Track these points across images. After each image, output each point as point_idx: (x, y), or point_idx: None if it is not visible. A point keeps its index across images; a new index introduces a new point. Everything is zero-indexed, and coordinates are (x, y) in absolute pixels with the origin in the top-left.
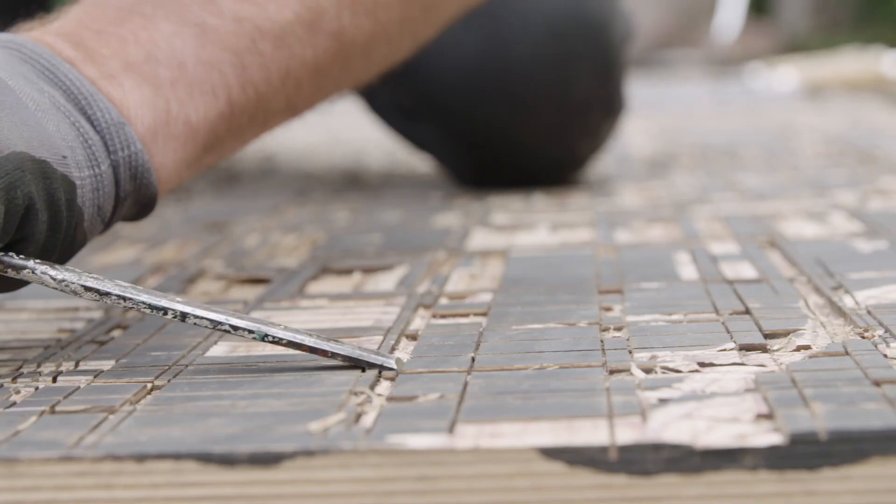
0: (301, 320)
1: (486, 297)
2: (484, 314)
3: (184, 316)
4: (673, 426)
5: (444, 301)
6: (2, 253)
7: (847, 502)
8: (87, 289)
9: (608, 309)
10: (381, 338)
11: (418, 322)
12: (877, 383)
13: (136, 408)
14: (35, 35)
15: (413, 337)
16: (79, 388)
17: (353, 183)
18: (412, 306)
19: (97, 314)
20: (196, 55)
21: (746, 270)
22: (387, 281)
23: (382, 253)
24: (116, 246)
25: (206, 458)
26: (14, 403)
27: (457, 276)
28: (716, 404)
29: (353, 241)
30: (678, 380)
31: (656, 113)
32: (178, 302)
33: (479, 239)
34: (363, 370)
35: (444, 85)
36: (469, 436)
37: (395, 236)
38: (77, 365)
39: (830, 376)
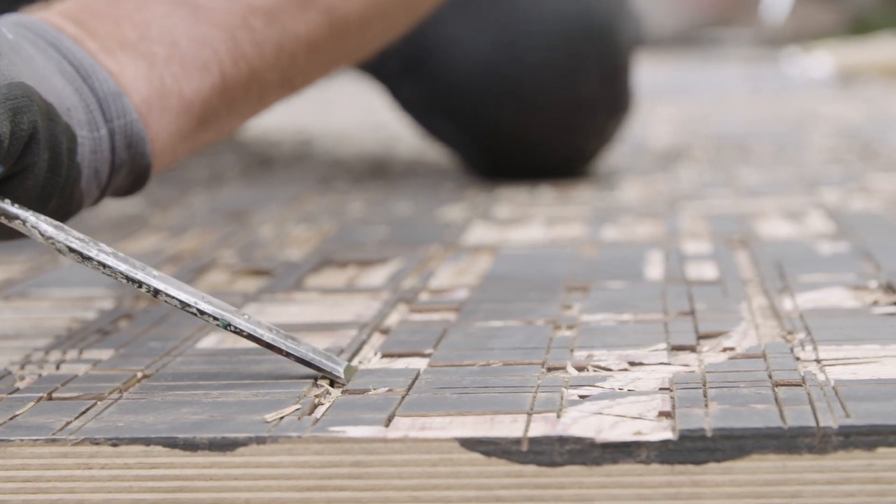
0: (291, 312)
1: (464, 294)
2: (456, 310)
3: (156, 292)
4: (582, 422)
5: (424, 296)
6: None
7: (729, 492)
8: (71, 250)
9: (568, 307)
10: (355, 332)
11: (395, 317)
12: (777, 385)
13: (123, 396)
14: (40, 15)
15: (385, 332)
16: (77, 376)
17: (377, 171)
18: (393, 301)
19: (109, 304)
20: (188, 33)
21: (708, 271)
22: (379, 275)
23: (383, 246)
24: (141, 234)
25: (172, 443)
26: (17, 389)
27: (444, 272)
28: (628, 402)
29: (360, 234)
30: (602, 378)
31: (687, 99)
32: (154, 278)
33: (477, 233)
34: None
35: (458, 86)
36: (402, 427)
37: (401, 229)
38: (81, 353)
39: (738, 378)
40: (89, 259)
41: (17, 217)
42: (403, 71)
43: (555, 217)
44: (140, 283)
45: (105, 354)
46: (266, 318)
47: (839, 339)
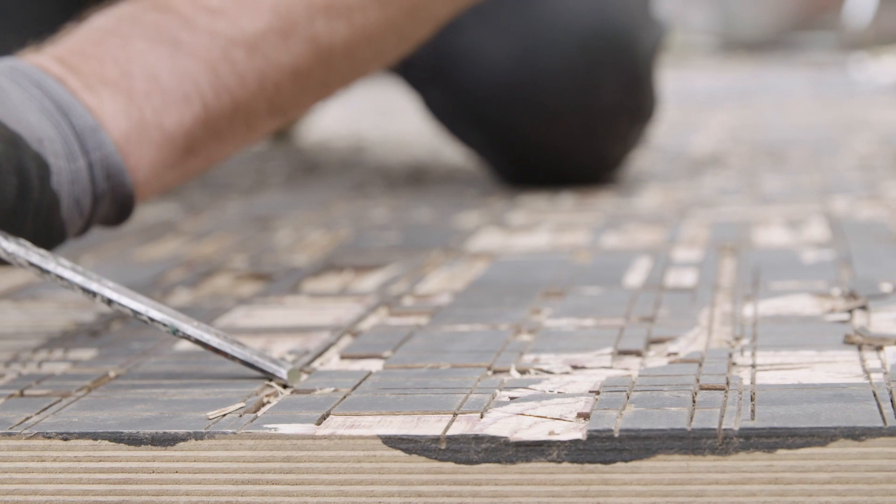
0: (275, 315)
1: (445, 299)
2: (431, 315)
3: (109, 301)
4: (502, 422)
5: (408, 301)
6: None
7: (636, 490)
8: (31, 264)
9: (537, 312)
10: (327, 335)
11: (372, 321)
12: (702, 388)
13: (88, 394)
14: (29, 58)
15: (355, 335)
16: (53, 374)
17: (414, 178)
18: (375, 306)
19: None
20: (169, 68)
21: (688, 278)
22: (372, 280)
23: (388, 252)
24: (166, 238)
25: (118, 438)
26: None
27: (436, 278)
28: (552, 403)
29: (371, 240)
30: (538, 381)
31: (745, 105)
32: (109, 288)
33: (485, 239)
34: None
35: (479, 94)
36: (332, 425)
37: (413, 235)
38: (66, 353)
39: (666, 381)
40: (47, 272)
41: None
42: (429, 78)
43: (564, 224)
44: (95, 294)
45: (87, 354)
46: (251, 320)
47: (780, 344)
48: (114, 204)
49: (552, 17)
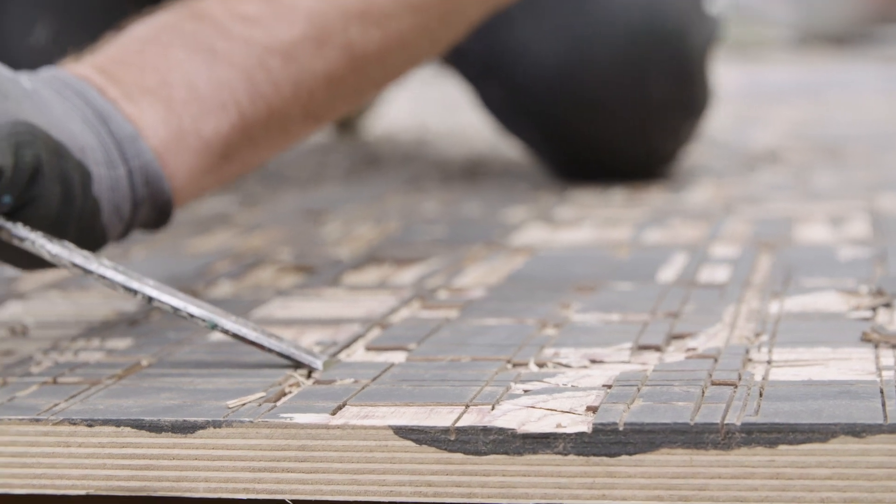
0: (311, 307)
1: (479, 293)
2: (461, 308)
3: (150, 299)
4: (511, 414)
5: (443, 295)
6: (10, 223)
7: (641, 483)
8: (74, 265)
9: (566, 307)
10: (357, 327)
11: (404, 313)
12: (714, 384)
13: (118, 382)
14: (71, 68)
15: (385, 327)
16: (87, 363)
17: (469, 171)
18: (409, 299)
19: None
20: (207, 76)
21: (721, 274)
22: (411, 273)
23: (431, 246)
24: (217, 230)
25: (139, 425)
26: (29, 373)
27: (474, 272)
28: (564, 397)
29: (418, 233)
30: (553, 374)
31: (812, 100)
32: (150, 286)
33: (529, 234)
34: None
35: (530, 89)
36: (347, 416)
37: (458, 229)
38: (103, 342)
39: (678, 376)
40: (90, 272)
41: (26, 238)
42: (481, 73)
43: (611, 219)
44: (136, 292)
45: (123, 343)
46: (287, 312)
47: (797, 341)
48: (153, 209)
49: (602, 12)
